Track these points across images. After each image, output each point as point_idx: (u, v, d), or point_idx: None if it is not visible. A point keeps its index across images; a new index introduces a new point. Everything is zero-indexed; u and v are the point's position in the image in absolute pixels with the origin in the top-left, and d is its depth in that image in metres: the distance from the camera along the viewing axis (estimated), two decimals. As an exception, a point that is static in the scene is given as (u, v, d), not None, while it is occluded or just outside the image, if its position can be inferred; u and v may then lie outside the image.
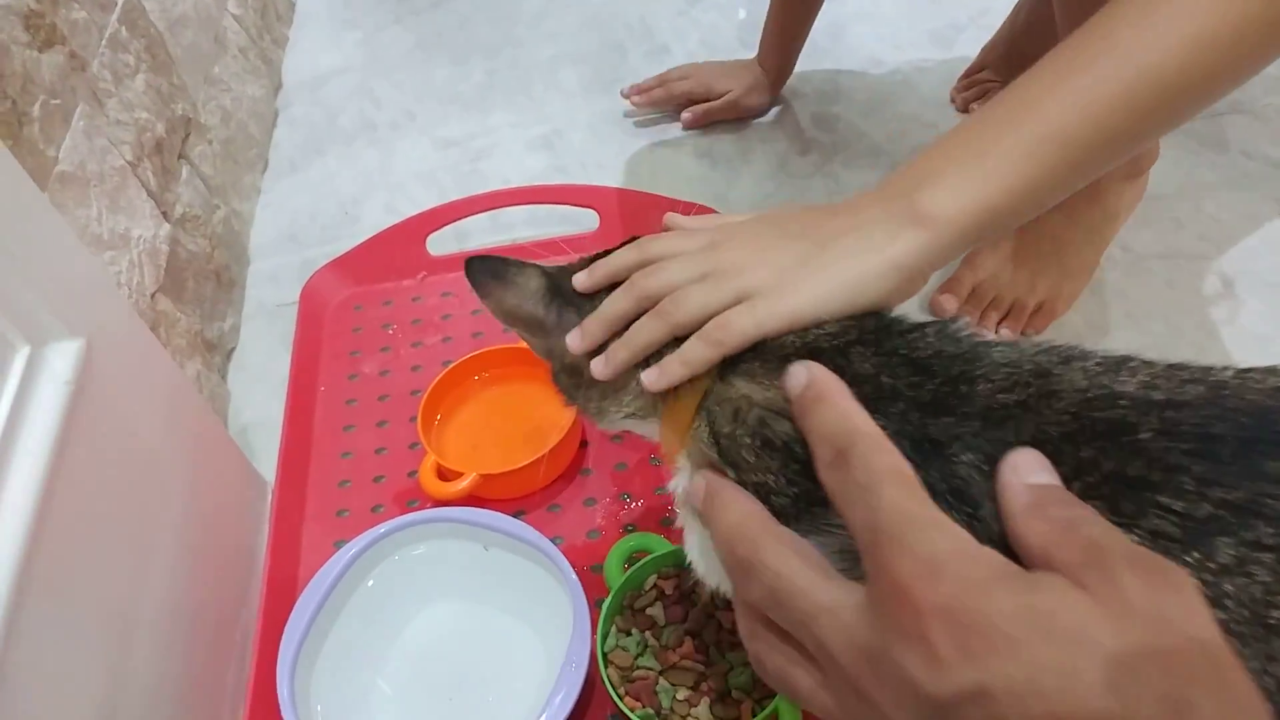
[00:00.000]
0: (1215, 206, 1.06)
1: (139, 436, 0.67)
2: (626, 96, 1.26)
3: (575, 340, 0.55)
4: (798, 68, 1.23)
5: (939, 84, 1.26)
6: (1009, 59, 1.20)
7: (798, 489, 0.43)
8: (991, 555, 0.33)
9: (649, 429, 0.57)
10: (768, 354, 0.49)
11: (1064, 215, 0.95)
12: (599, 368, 0.54)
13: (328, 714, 0.68)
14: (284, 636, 0.68)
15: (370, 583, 0.74)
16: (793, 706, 0.65)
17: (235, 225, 1.11)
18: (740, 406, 0.47)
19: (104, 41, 0.87)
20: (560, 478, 0.86)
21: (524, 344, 0.91)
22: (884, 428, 0.39)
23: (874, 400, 0.42)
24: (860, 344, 0.47)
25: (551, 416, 0.87)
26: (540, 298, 0.57)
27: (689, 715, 0.67)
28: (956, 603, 0.31)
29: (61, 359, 0.57)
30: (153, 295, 0.85)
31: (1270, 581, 0.34)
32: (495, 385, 0.92)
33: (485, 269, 0.58)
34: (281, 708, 0.65)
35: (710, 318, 0.50)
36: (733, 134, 1.22)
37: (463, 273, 1.09)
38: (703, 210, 1.02)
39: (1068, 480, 0.37)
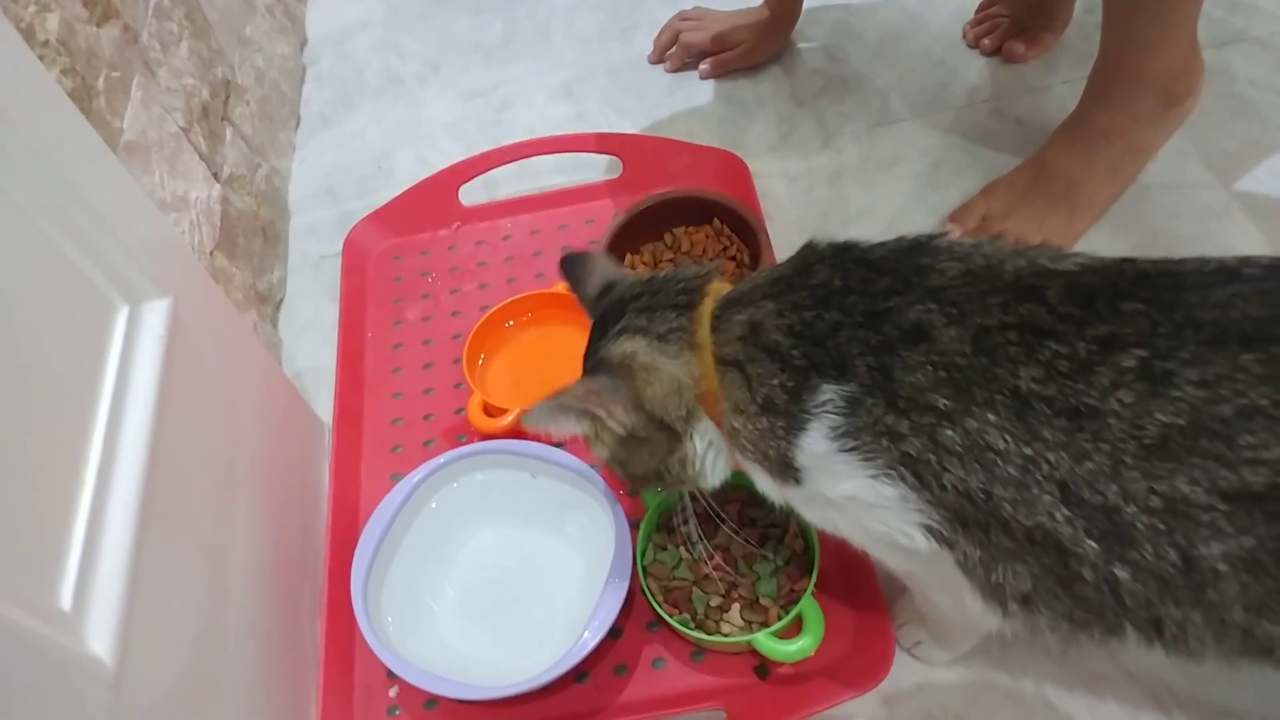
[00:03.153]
0: (1221, 136, 1.08)
1: (217, 385, 0.74)
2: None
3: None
4: (807, 7, 1.26)
5: (949, 20, 1.28)
6: (1021, -8, 1.21)
7: (794, 381, 0.55)
8: None
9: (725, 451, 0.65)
10: (734, 302, 0.61)
11: (1081, 153, 0.97)
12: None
13: (398, 625, 0.76)
14: (355, 557, 0.75)
15: (433, 504, 0.81)
16: (816, 610, 0.72)
17: (276, 182, 1.17)
18: (742, 333, 0.59)
19: (150, 11, 0.92)
20: (596, 412, 0.93)
21: (557, 289, 0.98)
22: (837, 316, 0.54)
23: (826, 299, 0.56)
24: (819, 262, 0.58)
25: (586, 355, 0.94)
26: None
27: (722, 620, 0.75)
28: None
29: (155, 315, 0.63)
30: (211, 253, 0.92)
31: (1134, 403, 0.46)
32: (532, 328, 0.98)
33: None
34: (358, 620, 0.73)
35: None
36: (748, 78, 1.25)
37: (494, 221, 1.17)
38: (724, 157, 1.07)
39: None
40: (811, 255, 0.59)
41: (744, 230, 0.98)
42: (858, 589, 0.78)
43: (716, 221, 1.00)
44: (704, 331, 0.61)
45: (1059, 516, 0.48)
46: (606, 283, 0.70)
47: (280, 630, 0.76)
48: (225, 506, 0.70)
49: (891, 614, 0.76)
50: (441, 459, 0.81)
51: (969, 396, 0.50)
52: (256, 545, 0.74)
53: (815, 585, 0.73)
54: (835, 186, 1.11)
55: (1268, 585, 0.46)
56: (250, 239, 1.03)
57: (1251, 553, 0.45)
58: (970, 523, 0.52)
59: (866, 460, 0.53)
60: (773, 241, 0.96)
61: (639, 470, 0.67)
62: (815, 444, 0.55)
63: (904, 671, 0.75)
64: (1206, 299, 0.47)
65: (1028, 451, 0.48)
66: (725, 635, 0.73)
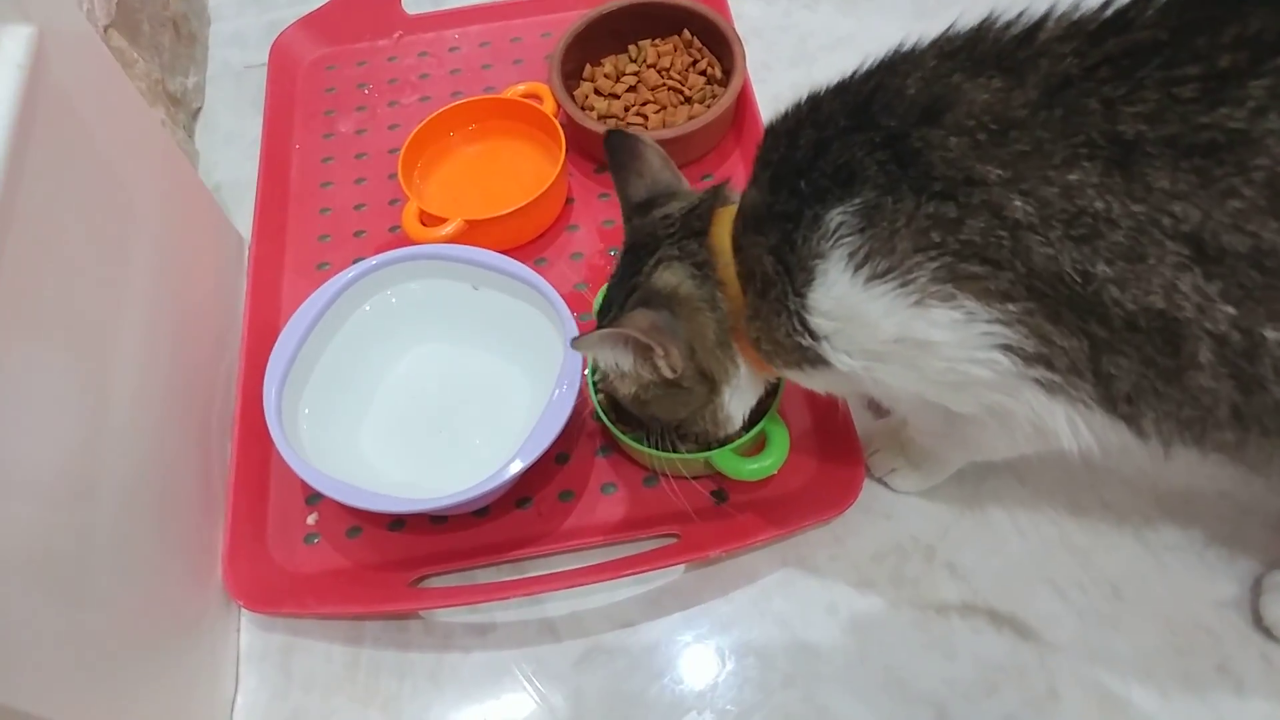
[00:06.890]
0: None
1: (103, 153, 0.63)
2: None
3: None
4: None
5: None
6: None
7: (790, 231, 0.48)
8: None
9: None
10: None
11: None
12: None
13: (314, 434, 0.67)
14: (272, 357, 0.67)
15: (367, 307, 0.73)
16: (782, 428, 0.66)
17: (192, -21, 1.04)
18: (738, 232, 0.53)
19: None
20: (547, 232, 0.84)
21: (503, 95, 0.88)
22: (814, 135, 0.48)
23: (795, 129, 0.50)
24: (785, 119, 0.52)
25: (535, 170, 0.85)
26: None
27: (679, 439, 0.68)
28: None
29: (13, 42, 0.53)
30: (105, 29, 0.80)
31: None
32: (476, 141, 0.88)
33: None
34: (270, 429, 0.65)
35: None
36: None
37: (441, 32, 1.04)
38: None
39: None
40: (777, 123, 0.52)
41: (717, 42, 0.88)
42: (826, 415, 0.72)
43: (686, 32, 0.90)
44: (723, 257, 0.54)
45: (1183, 287, 0.40)
46: (651, 195, 0.61)
47: (180, 454, 0.67)
48: (109, 307, 0.60)
49: (863, 441, 0.70)
50: (374, 260, 0.72)
51: (1041, 157, 0.41)
52: (153, 357, 0.64)
53: (780, 404, 0.66)
54: (814, 10, 1.02)
55: None
56: (158, 29, 0.91)
57: None
58: (1065, 316, 0.43)
59: (904, 285, 0.44)
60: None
61: (664, 415, 0.61)
62: (833, 288, 0.47)
63: (872, 501, 0.70)
64: None
65: (1138, 209, 0.40)
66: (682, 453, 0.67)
